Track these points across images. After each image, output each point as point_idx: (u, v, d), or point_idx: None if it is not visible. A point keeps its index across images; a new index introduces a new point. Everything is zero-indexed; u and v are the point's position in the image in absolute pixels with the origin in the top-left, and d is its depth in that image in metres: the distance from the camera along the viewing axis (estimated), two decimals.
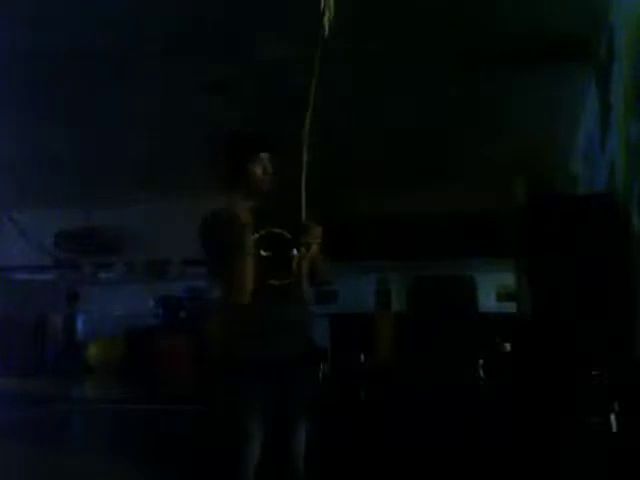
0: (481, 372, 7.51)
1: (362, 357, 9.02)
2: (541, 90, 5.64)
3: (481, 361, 7.62)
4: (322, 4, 2.12)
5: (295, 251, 2.11)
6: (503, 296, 9.08)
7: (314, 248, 2.13)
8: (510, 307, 7.10)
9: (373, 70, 5.29)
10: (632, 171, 3.90)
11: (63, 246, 10.32)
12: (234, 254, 1.99)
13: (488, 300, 9.51)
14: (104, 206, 9.84)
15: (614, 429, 3.00)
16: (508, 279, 7.02)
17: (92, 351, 10.28)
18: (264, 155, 2.18)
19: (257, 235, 2.06)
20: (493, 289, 9.54)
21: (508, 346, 7.16)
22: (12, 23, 4.49)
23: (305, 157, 2.12)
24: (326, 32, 2.10)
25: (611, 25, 4.35)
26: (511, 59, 5.07)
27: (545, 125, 6.49)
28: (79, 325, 11.06)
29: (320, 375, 8.60)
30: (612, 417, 3.02)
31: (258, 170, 2.16)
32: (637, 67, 3.65)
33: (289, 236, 2.13)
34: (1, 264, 10.00)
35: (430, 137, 7.00)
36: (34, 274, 10.46)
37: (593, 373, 3.39)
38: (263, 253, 2.05)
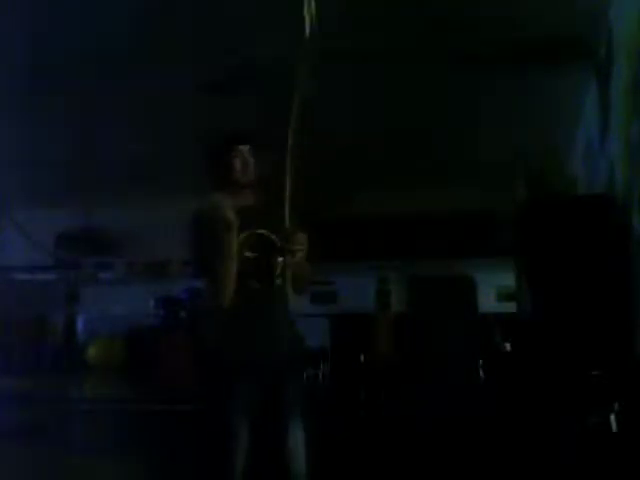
0: (481, 372, 7.51)
1: (362, 357, 9.02)
2: (541, 90, 5.64)
3: (481, 361, 7.62)
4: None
5: (280, 258, 2.08)
6: (503, 296, 9.07)
7: (299, 255, 2.11)
8: (510, 307, 7.10)
9: (373, 70, 5.29)
10: (632, 171, 3.89)
11: (63, 246, 10.32)
12: (217, 257, 1.97)
13: (488, 300, 9.49)
14: (104, 206, 9.84)
15: (614, 429, 2.99)
16: (508, 279, 7.00)
17: (92, 351, 10.26)
18: (243, 147, 2.17)
19: (242, 235, 2.04)
20: (493, 289, 9.52)
21: (508, 346, 7.17)
22: (11, 23, 4.49)
23: (289, 161, 2.09)
24: (308, 28, 2.09)
25: (611, 25, 4.35)
26: (511, 59, 5.07)
27: (545, 125, 6.48)
28: (79, 325, 11.04)
29: (320, 375, 8.60)
30: (612, 417, 3.02)
31: (237, 163, 2.15)
32: (637, 67, 3.64)
33: (274, 237, 2.11)
34: (1, 264, 10.00)
35: (430, 137, 7.00)
36: (34, 274, 10.45)
37: (593, 373, 3.39)
38: (248, 254, 2.04)
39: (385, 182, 8.50)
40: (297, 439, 2.06)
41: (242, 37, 4.71)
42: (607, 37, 4.46)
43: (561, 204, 4.37)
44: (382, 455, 4.11)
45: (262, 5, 4.26)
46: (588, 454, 3.04)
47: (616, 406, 3.03)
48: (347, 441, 4.51)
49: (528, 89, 5.63)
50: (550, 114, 6.22)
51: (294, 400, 2.11)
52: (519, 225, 4.50)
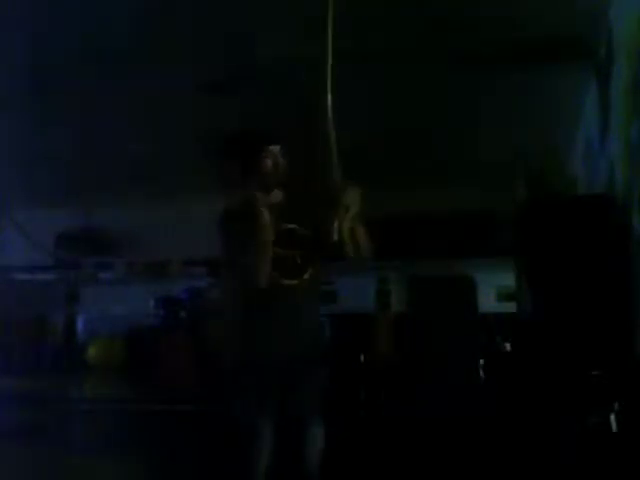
0: (481, 372, 7.51)
1: (362, 357, 9.01)
2: (541, 90, 5.64)
3: (481, 361, 7.62)
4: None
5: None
6: (503, 296, 9.07)
7: (353, 212, 2.08)
8: (510, 307, 7.10)
9: (373, 70, 5.28)
10: (632, 171, 3.89)
11: (63, 246, 10.32)
12: (254, 252, 1.97)
13: (488, 300, 9.49)
14: (104, 206, 9.84)
15: (614, 429, 3.00)
16: (508, 279, 7.01)
17: (92, 351, 10.26)
18: (274, 148, 2.18)
19: (272, 232, 2.04)
20: (493, 289, 9.52)
21: (508, 346, 7.17)
22: (11, 23, 4.49)
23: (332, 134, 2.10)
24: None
25: (611, 25, 4.35)
26: (511, 59, 5.07)
27: (545, 125, 6.48)
28: (79, 325, 11.04)
29: None
30: (612, 417, 3.02)
31: (269, 163, 2.16)
32: (637, 67, 3.64)
33: (304, 232, 2.11)
34: (1, 264, 10.00)
35: (430, 137, 6.99)
36: (34, 274, 10.45)
37: (593, 373, 3.39)
38: (277, 251, 2.04)
39: (385, 182, 8.49)
40: (316, 438, 2.06)
41: (242, 37, 4.71)
42: (607, 37, 4.46)
43: (561, 204, 4.37)
44: (382, 455, 4.11)
45: (262, 5, 4.27)
46: (588, 454, 3.04)
47: (616, 406, 3.03)
48: (347, 441, 4.51)
49: (528, 89, 5.63)
50: (550, 114, 6.22)
51: (313, 399, 2.10)
52: (519, 225, 4.50)
